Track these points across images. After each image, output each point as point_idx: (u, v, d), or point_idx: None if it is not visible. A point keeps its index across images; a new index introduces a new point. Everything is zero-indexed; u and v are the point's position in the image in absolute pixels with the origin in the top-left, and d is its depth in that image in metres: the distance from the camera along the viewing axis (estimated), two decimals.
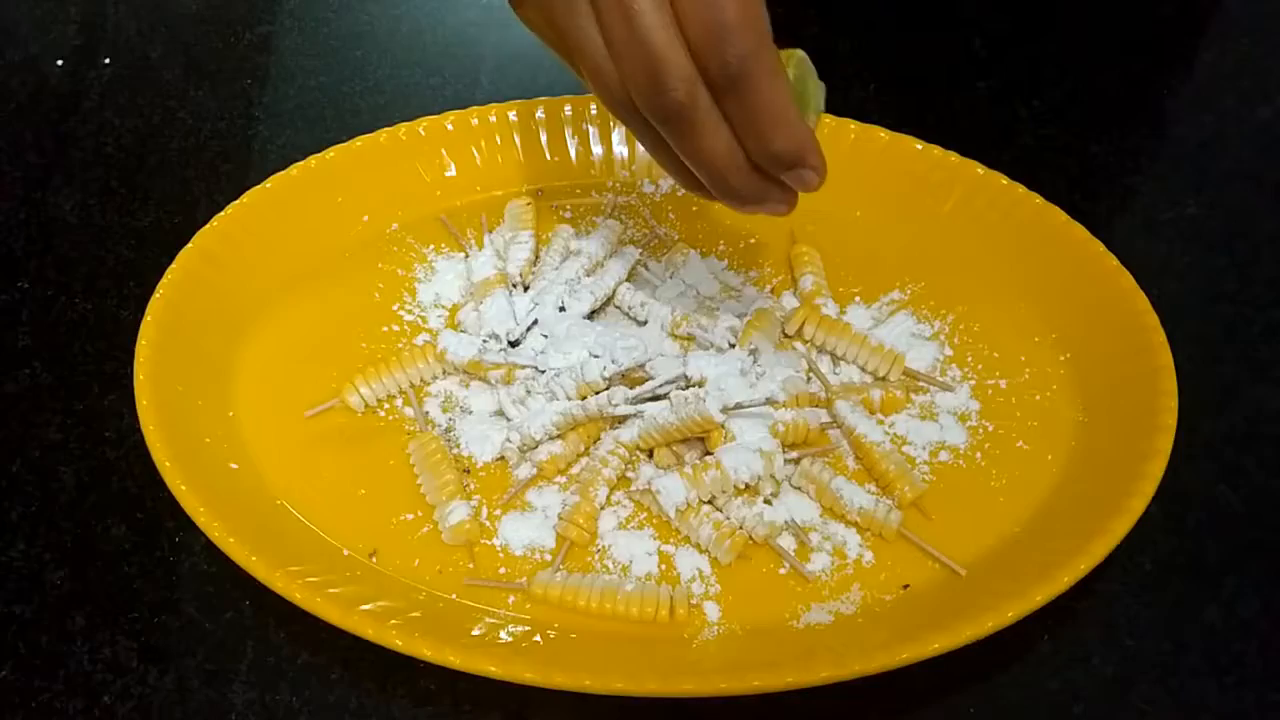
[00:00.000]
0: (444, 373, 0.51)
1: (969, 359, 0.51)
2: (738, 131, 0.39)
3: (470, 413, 0.49)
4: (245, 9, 0.72)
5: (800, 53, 0.43)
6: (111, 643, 0.43)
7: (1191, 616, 0.43)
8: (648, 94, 0.38)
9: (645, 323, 0.52)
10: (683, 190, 0.47)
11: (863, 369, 0.51)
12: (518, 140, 0.58)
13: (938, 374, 0.51)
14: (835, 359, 0.51)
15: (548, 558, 0.45)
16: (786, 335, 0.51)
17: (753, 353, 0.49)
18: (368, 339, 0.52)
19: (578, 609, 0.42)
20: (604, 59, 0.38)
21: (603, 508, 0.46)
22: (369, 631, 0.40)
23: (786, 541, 0.45)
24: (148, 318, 0.49)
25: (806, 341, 0.51)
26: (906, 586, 0.44)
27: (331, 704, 0.41)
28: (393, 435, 0.49)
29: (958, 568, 0.43)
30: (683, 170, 0.42)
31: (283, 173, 0.55)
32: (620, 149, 0.59)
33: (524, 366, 0.49)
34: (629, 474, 0.47)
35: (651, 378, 0.48)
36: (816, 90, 0.44)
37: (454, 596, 0.43)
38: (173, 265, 0.51)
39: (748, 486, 0.45)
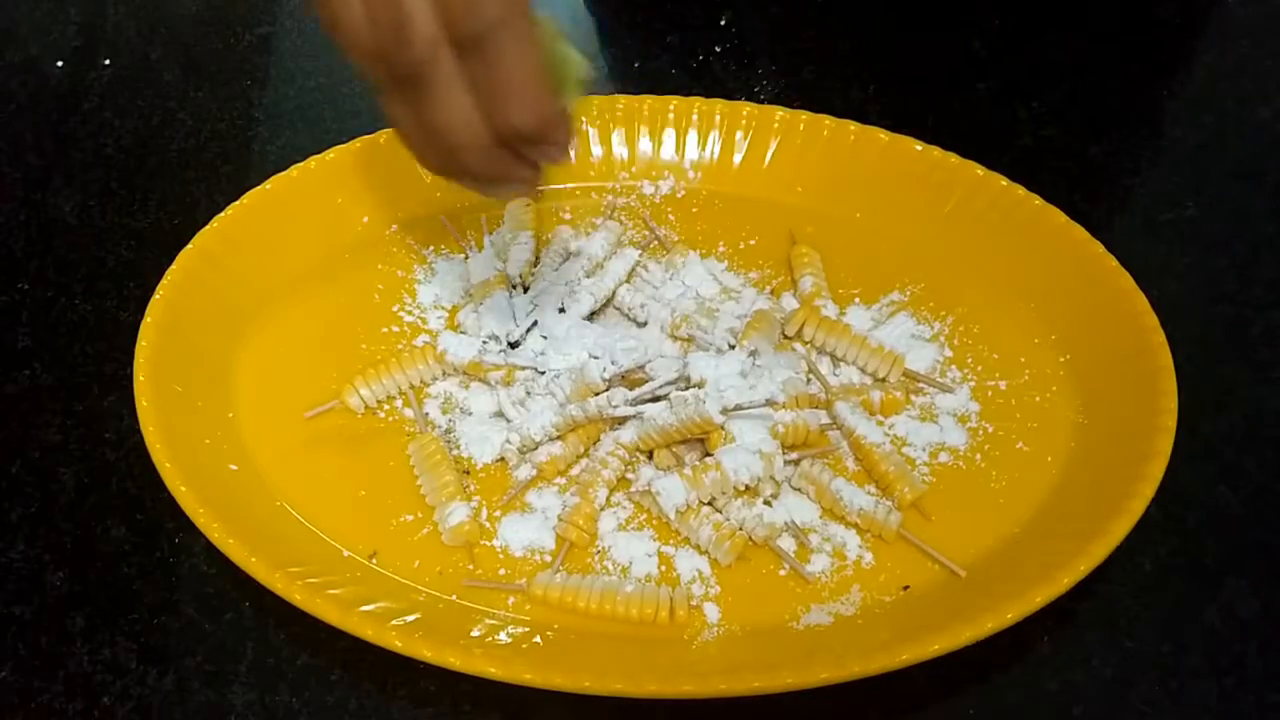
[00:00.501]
0: (444, 374, 0.51)
1: (969, 360, 0.51)
2: (482, 100, 0.38)
3: (470, 414, 0.49)
4: (245, 10, 0.72)
5: (556, 27, 0.41)
6: (111, 644, 0.43)
7: (1191, 617, 0.44)
8: (389, 49, 0.37)
9: (645, 324, 0.52)
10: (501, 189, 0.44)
11: (862, 370, 0.51)
12: None
13: (937, 375, 0.51)
14: (835, 360, 0.51)
15: (547, 559, 0.45)
16: (786, 336, 0.51)
17: (752, 354, 0.49)
18: (368, 340, 0.52)
19: (577, 610, 0.42)
20: (354, 12, 0.37)
21: (602, 509, 0.46)
22: (369, 632, 0.40)
23: (786, 543, 0.45)
24: (147, 319, 0.49)
25: (806, 343, 0.51)
26: (906, 588, 0.44)
27: (331, 705, 0.41)
28: (393, 436, 0.49)
29: (957, 569, 0.43)
30: (426, 144, 0.40)
31: (282, 174, 0.55)
32: (620, 150, 0.59)
33: (524, 368, 0.49)
34: (629, 475, 0.47)
35: (651, 379, 0.48)
36: (577, 66, 0.42)
37: (454, 597, 0.43)
38: (173, 266, 0.51)
39: (747, 488, 0.45)
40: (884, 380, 0.50)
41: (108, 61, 0.68)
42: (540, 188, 0.41)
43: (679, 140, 0.59)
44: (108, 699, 0.42)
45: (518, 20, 0.37)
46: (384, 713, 0.41)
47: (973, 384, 0.50)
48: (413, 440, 0.48)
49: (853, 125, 0.57)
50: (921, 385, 0.50)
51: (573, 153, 0.41)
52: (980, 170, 0.55)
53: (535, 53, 0.38)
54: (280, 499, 0.46)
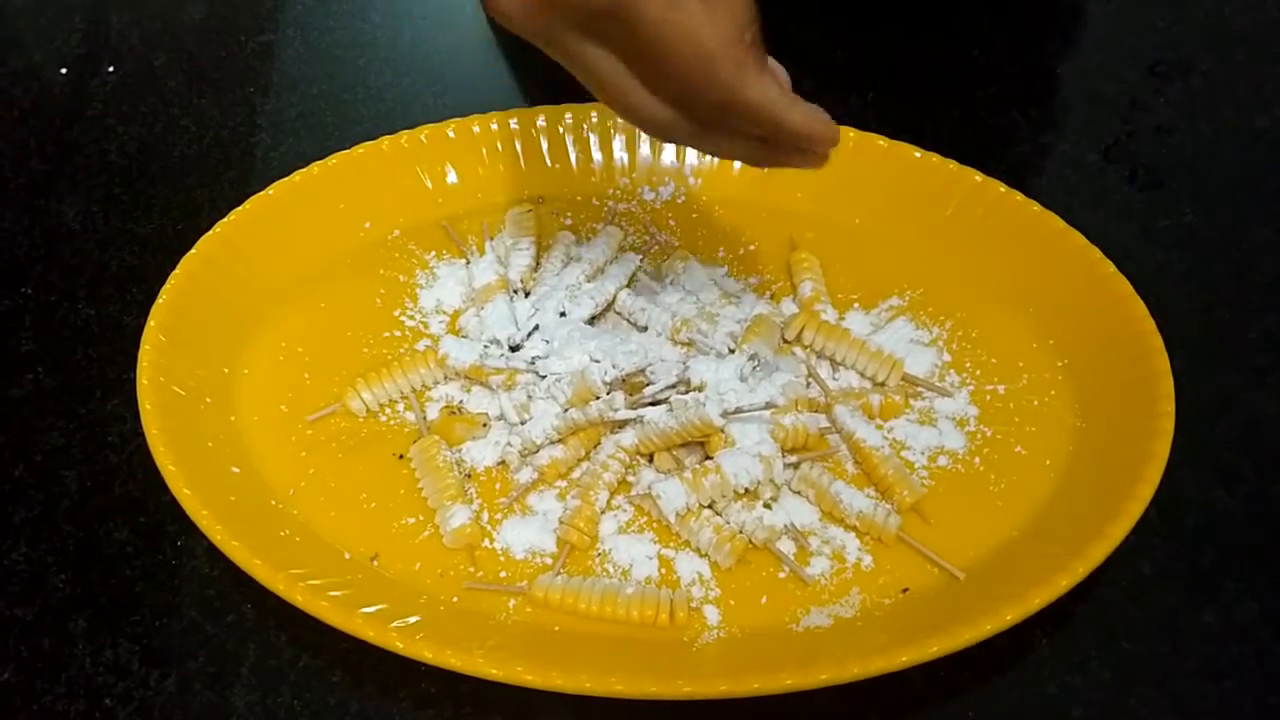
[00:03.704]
0: (445, 378, 0.51)
1: (967, 365, 0.51)
2: (754, 132, 0.42)
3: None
4: (248, 17, 0.72)
5: None
6: (113, 646, 0.43)
7: (1189, 620, 0.44)
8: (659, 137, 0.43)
9: (645, 328, 0.52)
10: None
11: (862, 374, 0.51)
12: (519, 147, 0.59)
13: (936, 380, 0.51)
14: (834, 364, 0.51)
15: (548, 561, 0.45)
16: (786, 341, 0.52)
17: (753, 358, 0.49)
18: (369, 344, 0.52)
19: (578, 612, 0.43)
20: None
21: (603, 512, 0.46)
22: (370, 634, 0.40)
23: (786, 545, 0.45)
24: (151, 323, 0.49)
25: (806, 347, 0.52)
26: (906, 590, 0.44)
27: (333, 707, 0.41)
28: (394, 439, 0.49)
29: (956, 571, 0.44)
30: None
31: (285, 179, 0.55)
32: (621, 156, 0.59)
33: (525, 371, 0.50)
34: (629, 478, 0.47)
35: (651, 383, 0.49)
36: None
37: (455, 600, 0.44)
38: (176, 271, 0.51)
39: (747, 491, 0.45)
40: (883, 384, 0.50)
41: (111, 68, 0.69)
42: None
43: (679, 146, 0.59)
44: (110, 701, 0.42)
45: (742, 86, 0.41)
46: (385, 714, 0.41)
47: (971, 388, 0.50)
48: (414, 443, 0.48)
49: (852, 132, 0.57)
50: (920, 389, 0.50)
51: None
52: (978, 176, 0.55)
53: (769, 89, 0.42)
54: (282, 501, 0.46)
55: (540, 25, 0.40)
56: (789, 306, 0.54)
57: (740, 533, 0.45)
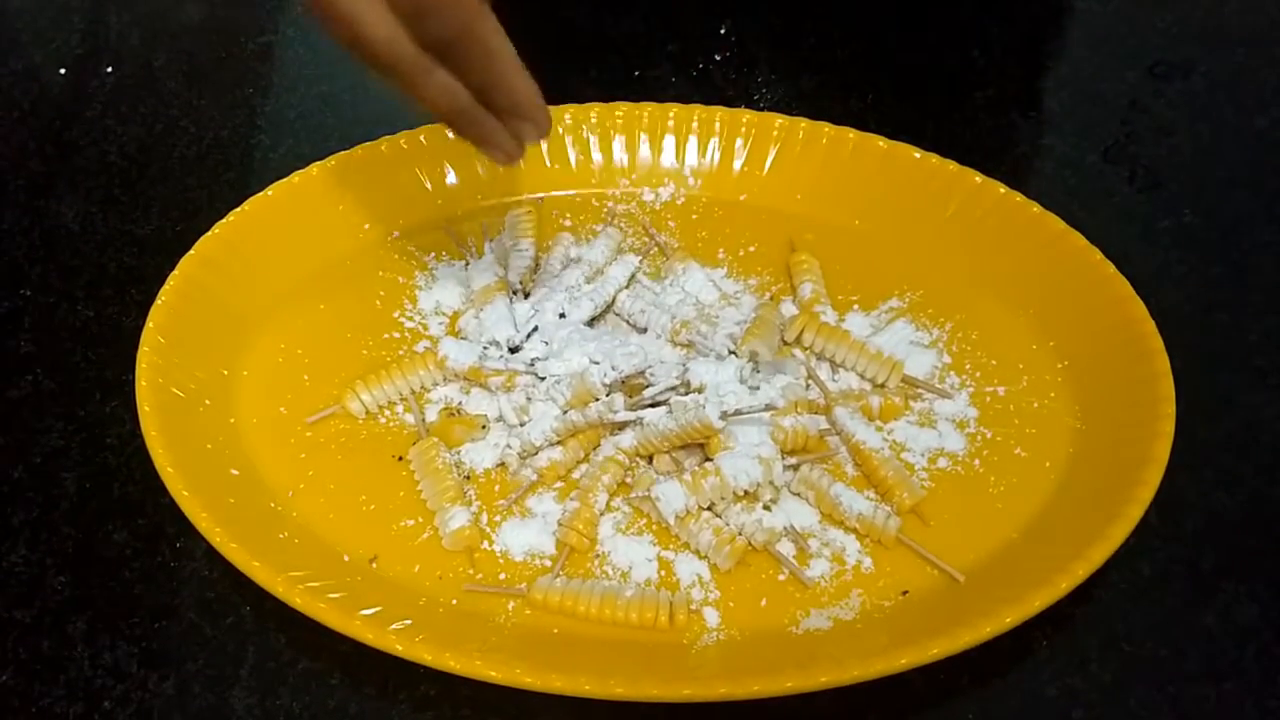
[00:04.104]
0: (444, 379, 0.51)
1: (967, 366, 0.51)
2: (472, 81, 0.43)
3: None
4: (247, 18, 0.72)
5: None
6: (112, 648, 0.43)
7: (1189, 622, 0.44)
8: (360, 56, 0.42)
9: (645, 330, 0.52)
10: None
11: (861, 376, 0.51)
12: None
13: (936, 381, 0.51)
14: (834, 366, 0.51)
15: (547, 563, 0.45)
16: (785, 342, 0.52)
17: (753, 359, 0.49)
18: (369, 346, 0.52)
19: (577, 615, 0.43)
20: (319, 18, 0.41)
21: (602, 514, 0.46)
22: (369, 636, 0.40)
23: (786, 547, 0.45)
24: (149, 324, 0.49)
25: (806, 349, 0.52)
26: (905, 592, 0.44)
27: (332, 709, 0.41)
28: (393, 441, 0.49)
29: (956, 574, 0.44)
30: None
31: (284, 180, 0.55)
32: (621, 157, 0.59)
33: (524, 373, 0.50)
34: (628, 480, 0.47)
35: (651, 384, 0.48)
36: None
37: (454, 602, 0.43)
38: (174, 272, 0.51)
39: (747, 493, 0.45)
40: (883, 386, 0.50)
41: (110, 69, 0.69)
42: (519, 160, 0.46)
43: (679, 147, 0.59)
44: (109, 703, 0.42)
45: (480, 19, 0.41)
46: (384, 716, 0.41)
47: (971, 390, 0.50)
48: (413, 445, 0.48)
49: (852, 133, 0.57)
50: (920, 391, 0.50)
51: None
52: (978, 177, 0.55)
53: (505, 41, 0.42)
54: (281, 503, 0.46)
55: None
56: (788, 308, 0.54)
57: (740, 535, 0.45)
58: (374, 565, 0.45)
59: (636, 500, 0.46)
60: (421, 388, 0.50)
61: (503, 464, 0.48)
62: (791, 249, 0.56)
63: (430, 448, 0.47)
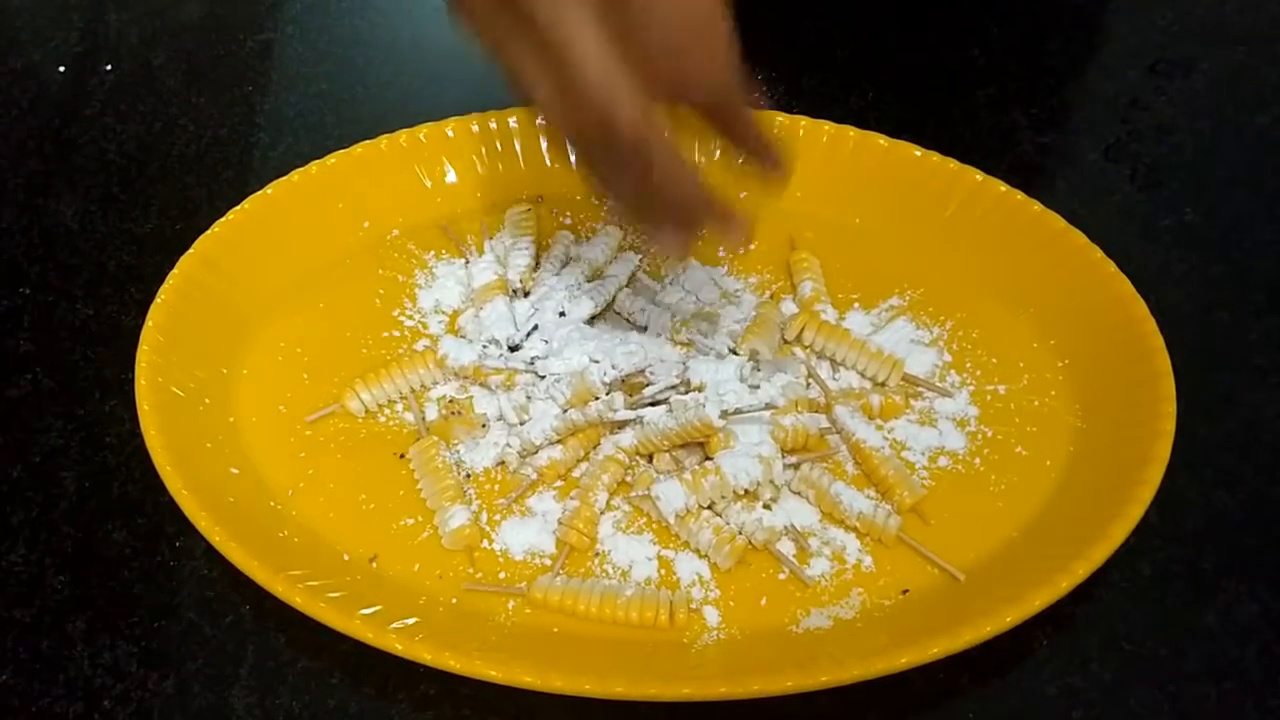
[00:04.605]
0: (444, 378, 0.51)
1: (968, 365, 0.51)
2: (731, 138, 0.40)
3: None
4: (247, 16, 0.72)
5: None
6: (112, 647, 0.43)
7: (1190, 621, 0.44)
8: (598, 135, 0.37)
9: (645, 328, 0.52)
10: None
11: (862, 374, 0.51)
12: (518, 147, 0.58)
13: (936, 380, 0.51)
14: (835, 364, 0.51)
15: (547, 562, 0.45)
16: (786, 341, 0.52)
17: (753, 357, 0.49)
18: (368, 344, 0.52)
19: (577, 614, 0.43)
20: (552, 99, 0.38)
21: (602, 512, 0.46)
22: (369, 636, 0.40)
23: (786, 546, 0.45)
24: (149, 323, 0.49)
25: (806, 347, 0.51)
26: (906, 591, 0.44)
27: (332, 708, 0.41)
28: (393, 440, 0.49)
29: (956, 573, 0.44)
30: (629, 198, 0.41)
31: (284, 179, 0.55)
32: None
33: (524, 372, 0.49)
34: (629, 479, 0.47)
35: (651, 383, 0.48)
36: None
37: (454, 601, 0.43)
38: (174, 271, 0.51)
39: (747, 492, 0.45)
40: (883, 385, 0.50)
41: (109, 67, 0.68)
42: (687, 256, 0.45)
43: (679, 146, 0.59)
44: (108, 702, 0.42)
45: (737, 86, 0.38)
46: (384, 716, 0.41)
47: (972, 388, 0.50)
48: (413, 444, 0.48)
49: (852, 131, 0.57)
50: (920, 389, 0.50)
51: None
52: (979, 175, 0.55)
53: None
54: (281, 502, 0.46)
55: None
56: (789, 306, 0.54)
57: (740, 534, 0.44)
58: (374, 564, 0.44)
59: (636, 499, 0.46)
60: (421, 386, 0.50)
61: (502, 463, 0.48)
62: (792, 247, 0.56)
63: (430, 447, 0.47)
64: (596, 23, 0.35)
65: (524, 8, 0.36)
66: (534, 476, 0.47)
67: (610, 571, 0.45)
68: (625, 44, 0.36)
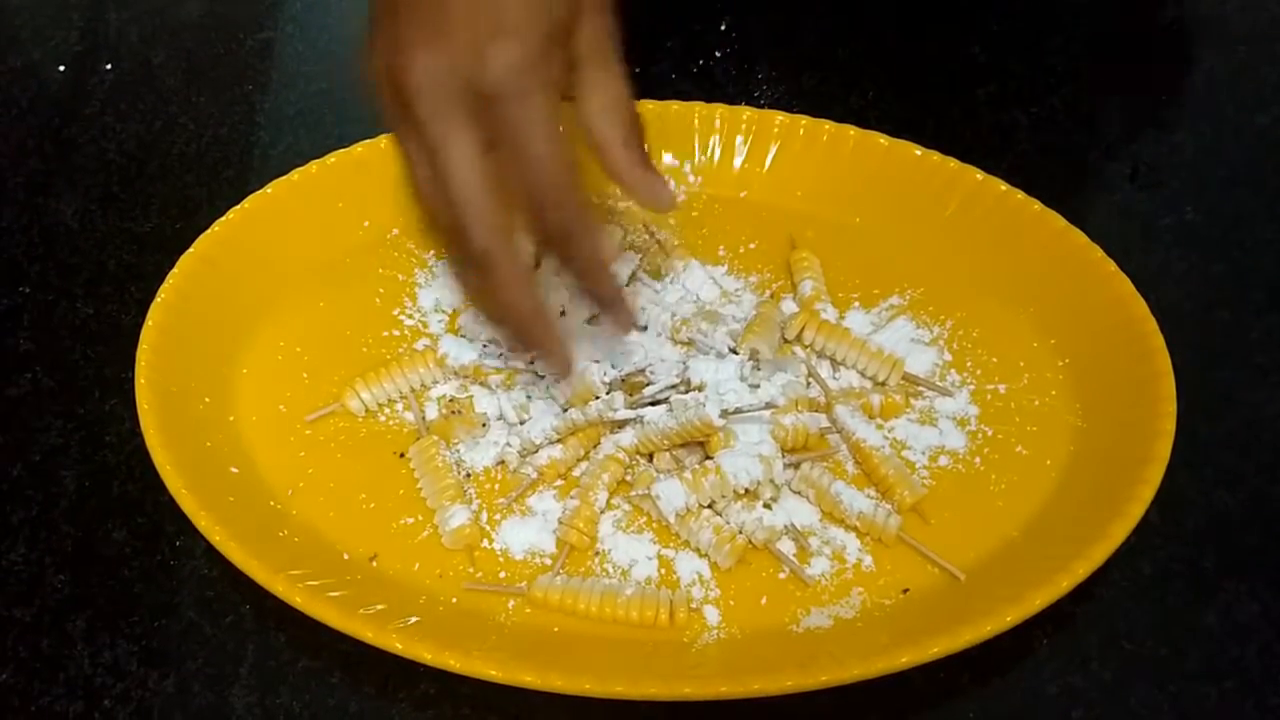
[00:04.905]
0: (444, 378, 0.51)
1: (968, 364, 0.51)
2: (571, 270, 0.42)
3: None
4: (247, 15, 0.72)
5: None
6: (112, 646, 0.43)
7: (1190, 621, 0.44)
8: (454, 237, 0.40)
9: (645, 328, 0.52)
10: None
11: (862, 374, 0.51)
12: None
13: (937, 379, 0.51)
14: (835, 364, 0.51)
15: (548, 562, 0.45)
16: (786, 340, 0.52)
17: (753, 356, 0.49)
18: (368, 343, 0.52)
19: (578, 613, 0.43)
20: (424, 192, 0.40)
21: (603, 512, 0.46)
22: (369, 635, 0.40)
23: (786, 546, 0.45)
24: (149, 322, 0.49)
25: (806, 346, 0.51)
26: (906, 591, 0.44)
27: (332, 707, 0.41)
28: (393, 439, 0.49)
29: (957, 572, 0.43)
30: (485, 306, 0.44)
31: (284, 178, 0.55)
32: None
33: (524, 371, 0.49)
34: (629, 478, 0.47)
35: (651, 382, 0.48)
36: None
37: (454, 600, 0.43)
38: (174, 270, 0.51)
39: (747, 491, 0.45)
40: (883, 384, 0.50)
41: (109, 66, 0.68)
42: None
43: (680, 144, 0.59)
44: (108, 701, 0.42)
45: (582, 214, 0.40)
46: (384, 715, 0.41)
47: (972, 388, 0.50)
48: (413, 443, 0.48)
49: (852, 130, 0.57)
50: (920, 389, 0.50)
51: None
52: (979, 175, 0.55)
53: (605, 236, 0.42)
54: (281, 502, 0.46)
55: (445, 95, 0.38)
56: (789, 306, 0.54)
57: (740, 533, 0.44)
58: (374, 563, 0.44)
59: (637, 498, 0.46)
60: (421, 385, 0.50)
61: (502, 462, 0.48)
62: (792, 246, 0.56)
63: (430, 446, 0.47)
64: (472, 129, 0.38)
65: (410, 102, 0.38)
66: (534, 476, 0.47)
67: (610, 570, 0.45)
68: (496, 162, 0.39)
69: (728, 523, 0.45)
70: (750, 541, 0.45)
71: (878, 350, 0.50)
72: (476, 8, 0.38)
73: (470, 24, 0.37)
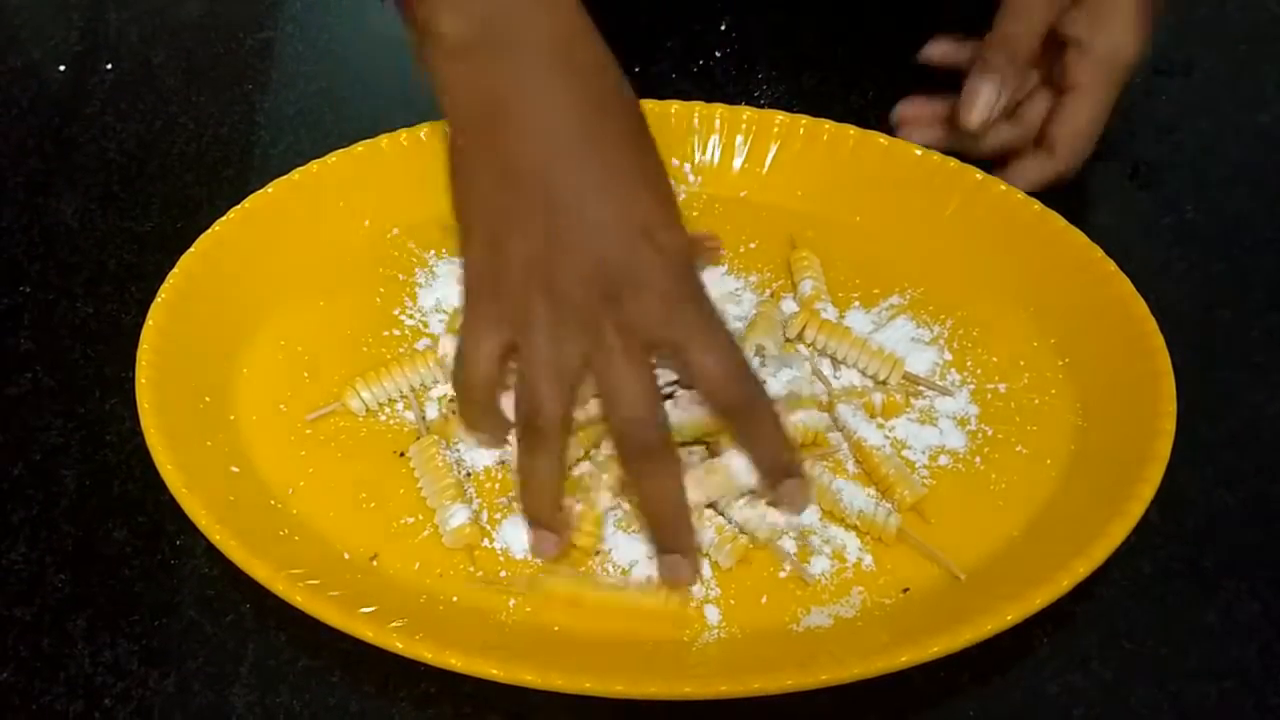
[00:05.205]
0: (445, 377, 0.51)
1: (968, 363, 0.51)
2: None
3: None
4: (247, 14, 0.72)
5: None
6: (112, 646, 0.43)
7: (1190, 620, 0.44)
8: (620, 443, 0.43)
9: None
10: None
11: (863, 373, 0.51)
12: None
13: (937, 378, 0.51)
14: (835, 363, 0.51)
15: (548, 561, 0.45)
16: (788, 339, 0.52)
17: (759, 353, 0.49)
18: (369, 343, 0.52)
19: (584, 603, 0.42)
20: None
21: (607, 512, 0.46)
22: (370, 634, 0.40)
23: (787, 544, 0.45)
24: (149, 322, 0.49)
25: (808, 345, 0.51)
26: (906, 590, 0.44)
27: (332, 707, 0.41)
28: (394, 439, 0.49)
29: (957, 570, 0.43)
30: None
31: (284, 178, 0.55)
32: None
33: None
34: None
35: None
36: None
37: (455, 599, 0.43)
38: (174, 270, 0.51)
39: (752, 491, 0.45)
40: (884, 383, 0.50)
41: (109, 66, 0.68)
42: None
43: (679, 144, 0.59)
44: (109, 701, 0.42)
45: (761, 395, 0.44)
46: (385, 715, 0.41)
47: (972, 387, 0.50)
48: (414, 443, 0.48)
49: (852, 129, 0.57)
50: (921, 388, 0.50)
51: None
52: (979, 175, 0.55)
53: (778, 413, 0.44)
54: (281, 501, 0.46)
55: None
56: (789, 305, 0.54)
57: (741, 534, 0.44)
58: (374, 563, 0.44)
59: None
60: (422, 385, 0.50)
61: (503, 462, 0.48)
62: (792, 246, 0.56)
63: (430, 445, 0.47)
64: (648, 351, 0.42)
65: (604, 341, 0.42)
66: None
67: (610, 570, 0.45)
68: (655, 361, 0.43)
69: (729, 521, 0.45)
70: (752, 540, 0.45)
71: (878, 349, 0.50)
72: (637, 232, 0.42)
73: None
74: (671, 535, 0.43)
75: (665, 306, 0.42)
